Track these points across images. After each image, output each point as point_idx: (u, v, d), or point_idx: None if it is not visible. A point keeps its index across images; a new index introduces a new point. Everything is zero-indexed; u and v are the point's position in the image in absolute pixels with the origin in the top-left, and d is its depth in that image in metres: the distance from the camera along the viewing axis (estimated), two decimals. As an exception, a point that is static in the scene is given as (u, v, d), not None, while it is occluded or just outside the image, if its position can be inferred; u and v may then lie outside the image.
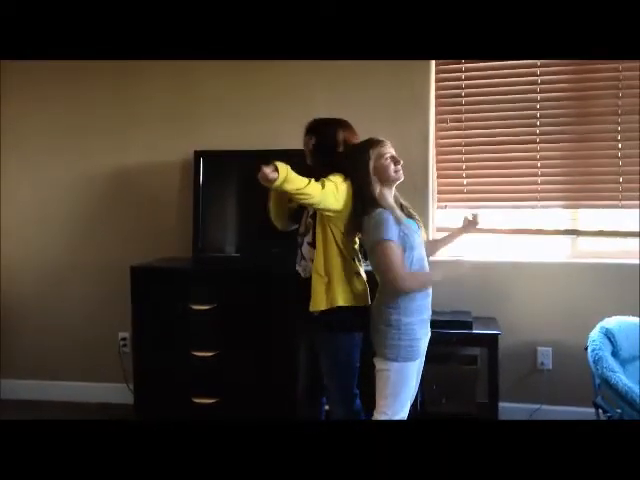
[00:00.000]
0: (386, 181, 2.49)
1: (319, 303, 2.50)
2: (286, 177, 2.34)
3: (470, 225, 2.79)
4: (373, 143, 2.51)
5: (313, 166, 2.61)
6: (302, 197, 2.40)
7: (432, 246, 2.80)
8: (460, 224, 2.83)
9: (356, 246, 2.60)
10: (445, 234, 2.97)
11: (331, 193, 2.44)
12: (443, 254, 3.00)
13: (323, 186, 2.44)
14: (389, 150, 2.51)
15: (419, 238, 2.51)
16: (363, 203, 2.47)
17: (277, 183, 2.33)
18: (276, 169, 2.33)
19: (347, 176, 2.52)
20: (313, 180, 2.43)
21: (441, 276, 2.50)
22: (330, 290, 2.50)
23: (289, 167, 2.38)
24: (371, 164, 2.47)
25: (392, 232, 2.40)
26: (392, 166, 2.48)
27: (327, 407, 2.68)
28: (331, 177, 2.49)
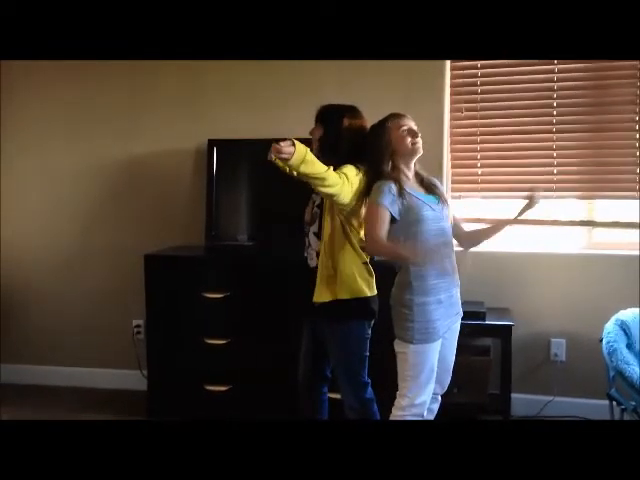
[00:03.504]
0: (403, 154, 2.44)
1: (322, 295, 2.49)
2: (304, 157, 2.20)
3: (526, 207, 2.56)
4: (392, 115, 2.47)
5: (322, 157, 2.48)
6: (321, 184, 2.29)
7: (472, 237, 2.63)
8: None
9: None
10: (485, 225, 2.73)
11: (349, 185, 2.37)
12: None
13: (340, 176, 2.34)
14: (407, 123, 2.46)
15: (433, 213, 2.41)
16: (373, 177, 2.42)
17: (293, 161, 2.18)
18: (293, 145, 2.18)
19: (359, 166, 2.46)
20: (332, 168, 2.33)
21: (423, 260, 2.31)
22: (334, 283, 2.46)
23: (308, 149, 2.27)
24: (387, 136, 2.42)
25: (384, 198, 2.35)
26: (409, 138, 2.43)
27: (338, 396, 2.68)
28: (344, 169, 2.41)
